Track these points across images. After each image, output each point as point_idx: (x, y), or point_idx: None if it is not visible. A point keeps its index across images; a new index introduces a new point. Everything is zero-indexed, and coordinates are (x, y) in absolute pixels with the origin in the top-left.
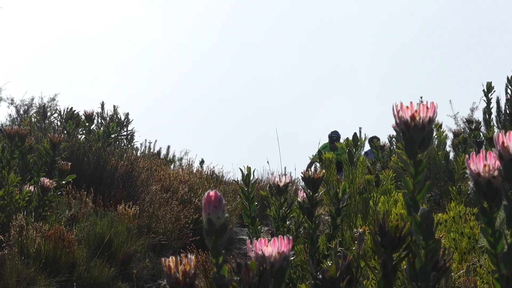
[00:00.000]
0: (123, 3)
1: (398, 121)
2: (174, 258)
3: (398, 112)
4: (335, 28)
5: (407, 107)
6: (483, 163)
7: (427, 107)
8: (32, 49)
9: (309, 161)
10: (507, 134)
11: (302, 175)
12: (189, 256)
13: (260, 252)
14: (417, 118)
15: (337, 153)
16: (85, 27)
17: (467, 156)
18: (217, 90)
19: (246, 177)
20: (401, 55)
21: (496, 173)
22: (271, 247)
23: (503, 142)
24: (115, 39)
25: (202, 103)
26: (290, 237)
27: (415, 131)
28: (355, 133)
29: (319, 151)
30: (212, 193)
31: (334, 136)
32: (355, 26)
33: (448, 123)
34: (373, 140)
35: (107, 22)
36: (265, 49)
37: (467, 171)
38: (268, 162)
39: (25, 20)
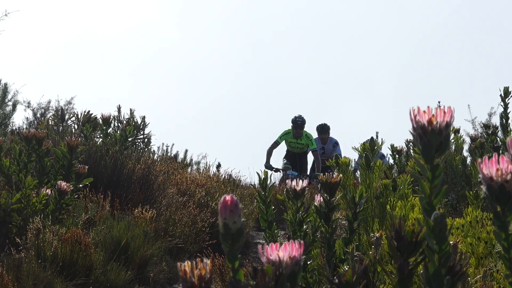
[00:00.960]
0: (139, 7)
1: (415, 125)
2: (189, 262)
3: (415, 116)
4: (352, 31)
5: (424, 111)
6: (495, 167)
7: (444, 112)
8: (48, 52)
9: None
10: None
11: (320, 179)
12: (205, 260)
13: (271, 257)
14: (434, 123)
15: (299, 142)
16: (102, 30)
17: (479, 160)
18: (233, 94)
19: (263, 181)
20: (419, 59)
21: (509, 177)
22: (282, 252)
23: None
24: (131, 42)
25: (219, 106)
26: (302, 242)
27: (432, 136)
28: (371, 138)
29: (280, 138)
30: (228, 197)
31: (298, 121)
32: (372, 29)
33: (466, 128)
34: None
35: (123, 25)
36: (281, 52)
37: (480, 175)
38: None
39: (41, 23)
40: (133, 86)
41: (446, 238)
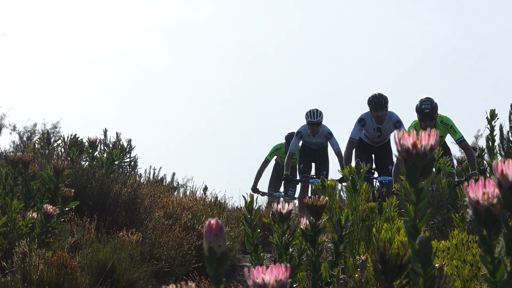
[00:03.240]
0: (128, 31)
1: (400, 148)
2: (174, 285)
3: (400, 140)
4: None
5: (409, 135)
6: (482, 191)
7: (429, 135)
8: (35, 75)
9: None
10: (506, 162)
11: (306, 202)
12: (189, 283)
13: (257, 280)
14: (419, 146)
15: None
16: (89, 53)
17: (466, 184)
18: (220, 118)
19: (249, 204)
20: (404, 83)
21: (495, 201)
22: (268, 275)
23: (502, 170)
24: (118, 65)
25: (207, 130)
26: (288, 265)
27: (416, 159)
28: (358, 161)
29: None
30: (213, 221)
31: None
32: (363, 50)
33: (453, 150)
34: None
35: (111, 48)
36: (269, 75)
37: (466, 199)
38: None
39: (27, 47)
40: (120, 110)
41: (431, 262)
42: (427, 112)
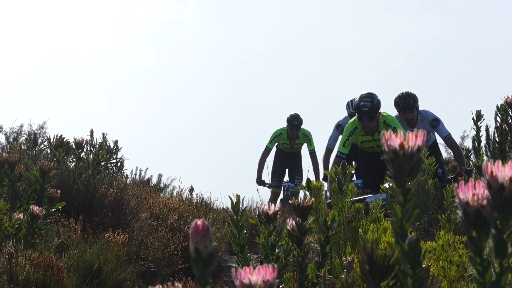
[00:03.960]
0: (115, 32)
1: (387, 149)
2: (161, 286)
3: (387, 140)
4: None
5: (396, 135)
6: (471, 192)
7: (416, 136)
8: (21, 75)
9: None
10: (496, 163)
11: (292, 203)
12: (176, 284)
13: (245, 281)
14: (406, 147)
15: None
16: (75, 54)
17: (456, 185)
18: (207, 118)
19: (235, 205)
20: (391, 82)
21: (485, 202)
22: (256, 275)
23: (491, 172)
24: (105, 66)
25: (193, 131)
26: (275, 265)
27: (403, 160)
28: (344, 161)
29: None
30: (199, 222)
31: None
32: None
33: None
34: None
35: (97, 49)
36: (258, 76)
37: (456, 200)
38: (258, 190)
39: (14, 47)
40: (107, 111)
41: (420, 263)
42: (366, 110)
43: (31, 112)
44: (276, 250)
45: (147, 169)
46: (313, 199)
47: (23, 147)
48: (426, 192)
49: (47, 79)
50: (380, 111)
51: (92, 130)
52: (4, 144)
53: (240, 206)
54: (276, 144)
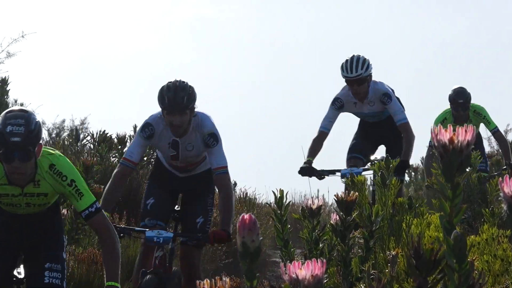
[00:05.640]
0: (155, 27)
1: (436, 144)
2: (208, 280)
3: (436, 135)
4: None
5: (446, 130)
6: None
7: (466, 131)
8: (63, 71)
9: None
10: None
11: (335, 198)
12: (224, 278)
13: (294, 275)
14: (455, 142)
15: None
16: (116, 49)
17: (500, 179)
18: (248, 112)
19: (279, 200)
20: (433, 74)
21: None
22: (304, 270)
23: None
24: (146, 61)
25: (235, 124)
26: (324, 260)
27: (453, 155)
28: (387, 156)
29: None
30: (246, 216)
31: (460, 100)
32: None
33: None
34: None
35: (138, 44)
36: (297, 65)
37: (501, 194)
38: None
39: (56, 43)
40: (147, 106)
41: (466, 257)
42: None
43: (73, 108)
44: (320, 245)
45: None
46: (356, 193)
47: (66, 142)
48: (470, 185)
49: (89, 74)
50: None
51: (135, 125)
52: (47, 139)
53: (284, 200)
54: None
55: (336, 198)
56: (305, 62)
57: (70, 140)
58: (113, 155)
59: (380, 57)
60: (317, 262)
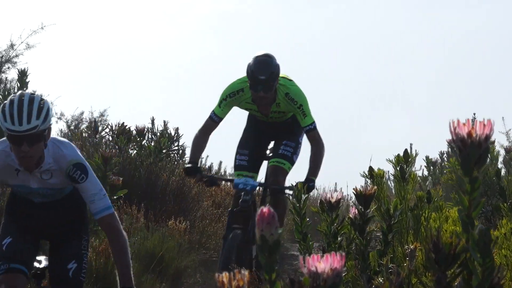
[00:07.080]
0: (175, 19)
1: (454, 137)
2: (227, 273)
3: (455, 129)
4: (386, 42)
5: (464, 124)
6: None
7: (484, 124)
8: (83, 63)
9: None
10: None
11: (354, 191)
12: (242, 271)
13: (313, 268)
14: (474, 135)
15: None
16: (135, 42)
17: None
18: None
19: (298, 193)
20: (453, 70)
21: None
22: (323, 263)
23: None
24: (166, 53)
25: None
26: (343, 254)
27: (471, 148)
28: (406, 150)
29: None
30: (265, 209)
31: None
32: (407, 41)
33: (500, 140)
34: None
35: (158, 36)
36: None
37: None
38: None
39: (76, 35)
40: (167, 99)
41: (490, 252)
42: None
43: (92, 100)
44: (338, 238)
45: (207, 156)
46: (375, 187)
47: (84, 134)
48: (488, 180)
49: (108, 66)
50: None
51: (153, 117)
52: (66, 131)
53: (303, 193)
54: None
55: (354, 192)
56: (325, 56)
57: (89, 132)
58: (132, 148)
59: (395, 55)
60: (336, 255)
